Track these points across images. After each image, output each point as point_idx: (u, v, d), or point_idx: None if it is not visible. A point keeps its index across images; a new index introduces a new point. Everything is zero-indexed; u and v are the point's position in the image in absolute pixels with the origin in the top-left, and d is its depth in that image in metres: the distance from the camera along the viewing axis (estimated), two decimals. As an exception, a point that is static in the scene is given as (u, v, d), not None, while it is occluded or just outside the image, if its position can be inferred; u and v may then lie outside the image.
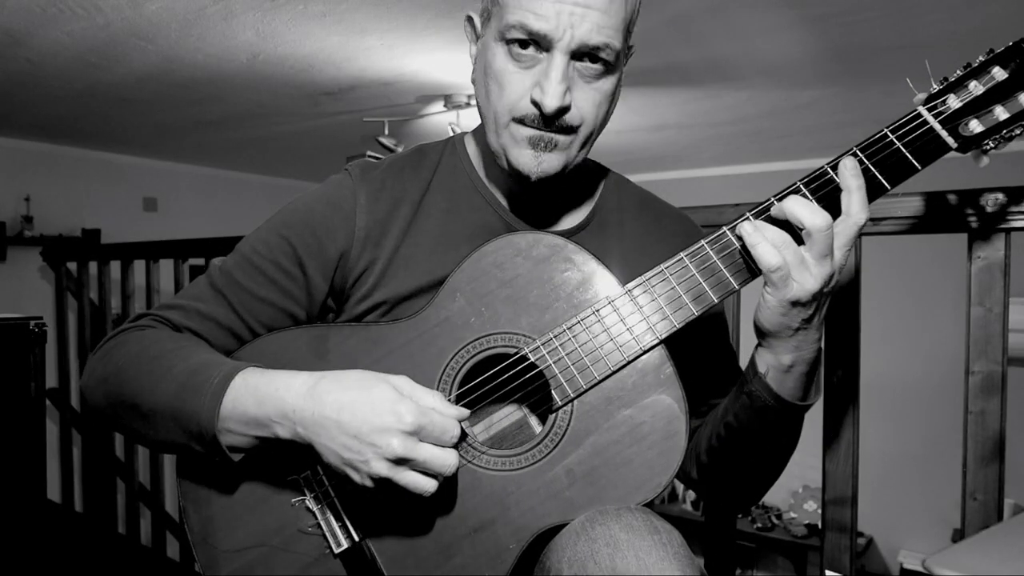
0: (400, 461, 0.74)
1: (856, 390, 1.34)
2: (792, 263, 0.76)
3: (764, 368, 0.83)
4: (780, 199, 0.80)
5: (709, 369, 0.99)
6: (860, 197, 0.77)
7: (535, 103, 0.82)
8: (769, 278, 0.77)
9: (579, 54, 0.81)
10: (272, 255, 0.91)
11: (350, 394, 0.75)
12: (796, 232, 0.77)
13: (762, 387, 0.83)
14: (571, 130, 0.84)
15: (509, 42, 0.81)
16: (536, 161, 0.85)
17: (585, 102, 0.83)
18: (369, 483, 0.75)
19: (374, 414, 0.74)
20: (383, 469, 0.74)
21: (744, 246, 0.79)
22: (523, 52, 0.81)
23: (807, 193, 0.79)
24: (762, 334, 0.82)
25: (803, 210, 0.75)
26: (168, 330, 0.90)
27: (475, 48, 0.91)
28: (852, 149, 0.80)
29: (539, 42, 0.80)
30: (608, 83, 0.84)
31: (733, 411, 0.88)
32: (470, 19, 0.91)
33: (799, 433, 0.91)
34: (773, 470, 0.96)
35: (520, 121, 0.84)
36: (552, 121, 0.82)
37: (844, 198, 0.77)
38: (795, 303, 0.77)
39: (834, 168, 0.79)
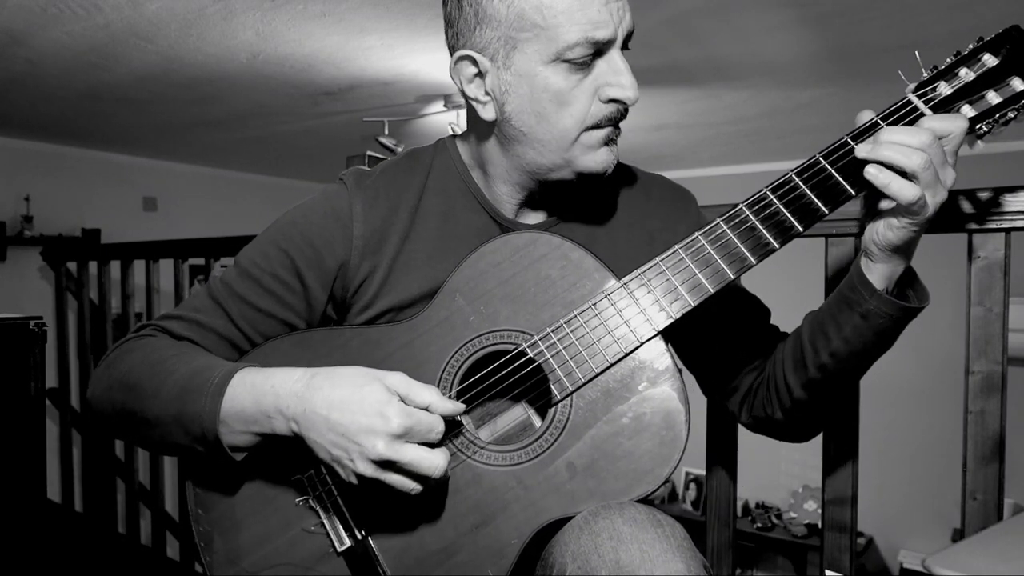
0: (385, 463, 0.74)
1: (856, 390, 1.34)
2: (927, 182, 0.74)
3: (883, 284, 0.82)
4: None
5: (748, 330, 0.99)
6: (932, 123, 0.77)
7: (614, 100, 0.82)
8: (909, 209, 0.76)
9: (622, 43, 0.83)
10: (271, 267, 0.91)
11: (340, 391, 0.76)
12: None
13: (882, 303, 0.81)
14: (625, 116, 0.85)
15: (569, 60, 0.79)
16: (611, 157, 0.87)
17: None
18: (355, 480, 0.76)
19: (362, 414, 0.74)
20: (368, 470, 0.74)
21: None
22: (581, 64, 0.80)
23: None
24: (886, 252, 0.81)
25: (939, 123, 0.76)
26: (169, 339, 0.91)
27: (484, 84, 0.84)
28: (843, 138, 0.80)
29: (601, 49, 0.80)
30: None
31: (842, 336, 0.85)
32: (467, 58, 0.84)
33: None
34: (857, 381, 0.98)
35: (594, 127, 0.83)
36: (626, 113, 0.84)
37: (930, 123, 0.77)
38: (927, 219, 0.77)
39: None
